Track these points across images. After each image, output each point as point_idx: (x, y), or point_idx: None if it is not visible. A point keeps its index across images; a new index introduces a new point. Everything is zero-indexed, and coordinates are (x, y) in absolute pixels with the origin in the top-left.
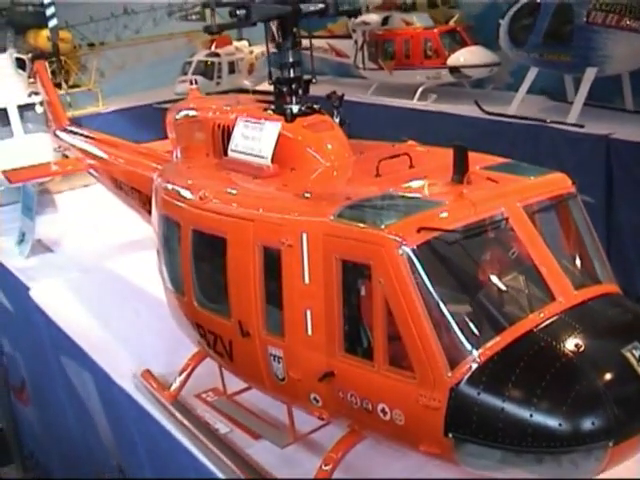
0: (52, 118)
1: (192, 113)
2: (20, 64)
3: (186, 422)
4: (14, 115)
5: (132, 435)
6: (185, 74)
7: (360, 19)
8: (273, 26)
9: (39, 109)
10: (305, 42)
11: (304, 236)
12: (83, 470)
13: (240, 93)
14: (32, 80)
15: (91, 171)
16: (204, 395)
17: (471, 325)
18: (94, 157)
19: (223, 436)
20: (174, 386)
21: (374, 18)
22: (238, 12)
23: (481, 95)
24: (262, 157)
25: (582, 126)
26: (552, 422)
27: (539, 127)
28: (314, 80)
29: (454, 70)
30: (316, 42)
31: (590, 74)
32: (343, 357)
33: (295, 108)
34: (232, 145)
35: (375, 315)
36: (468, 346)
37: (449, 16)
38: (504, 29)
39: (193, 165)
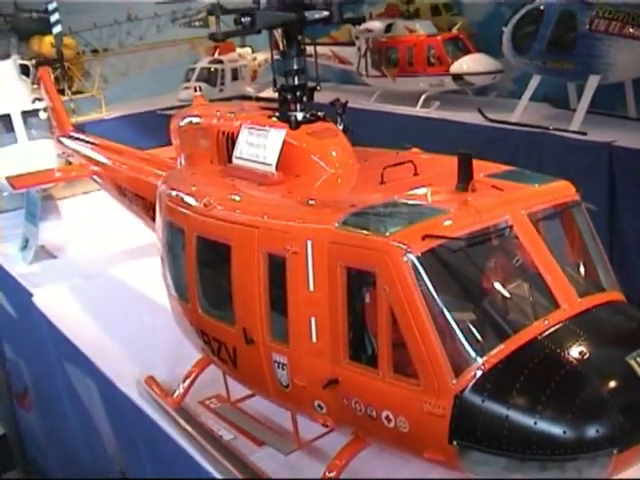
0: (56, 124)
1: (196, 120)
2: (24, 70)
3: (190, 429)
4: (18, 121)
5: (135, 441)
6: (188, 81)
7: (363, 26)
8: (277, 33)
9: (43, 115)
10: (309, 49)
11: (309, 243)
12: (86, 476)
13: (243, 100)
14: (36, 86)
15: (95, 177)
16: (208, 402)
17: (475, 332)
18: (98, 163)
19: (227, 443)
20: (178, 393)
21: (377, 25)
22: (243, 20)
23: (484, 102)
24: (266, 164)
25: (585, 133)
26: (556, 430)
27: (542, 134)
28: (318, 87)
29: (457, 77)
30: (319, 49)
31: (593, 81)
32: (347, 364)
33: (299, 115)
34: (236, 152)
35: (380, 322)
36: (473, 353)
37: (452, 23)
38: (507, 36)
39: (197, 172)
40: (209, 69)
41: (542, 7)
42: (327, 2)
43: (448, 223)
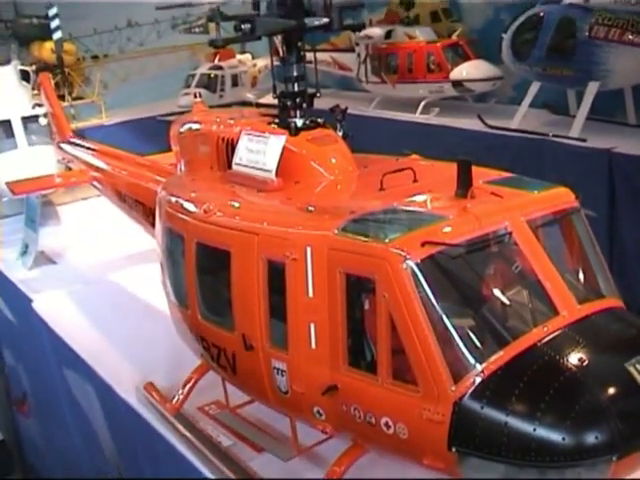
0: (56, 130)
1: (196, 126)
2: (24, 76)
3: (189, 435)
4: (18, 127)
5: (134, 447)
6: (188, 87)
7: (363, 33)
8: (277, 40)
9: (43, 121)
10: (309, 55)
11: (308, 250)
12: None
13: (243, 106)
14: (36, 92)
15: (95, 183)
16: (207, 408)
17: (475, 339)
18: (98, 169)
19: (226, 449)
20: (177, 399)
21: (377, 32)
22: (243, 26)
23: (484, 109)
24: (266, 170)
25: (584, 140)
26: (555, 436)
27: (542, 141)
28: (318, 94)
29: (457, 84)
30: (319, 55)
31: (592, 88)
32: (347, 371)
33: (299, 122)
34: (236, 158)
35: (379, 329)
36: (472, 360)
37: (452, 30)
38: (507, 43)
39: (197, 178)
40: (209, 75)
41: (542, 14)
42: (327, 9)
43: (447, 230)
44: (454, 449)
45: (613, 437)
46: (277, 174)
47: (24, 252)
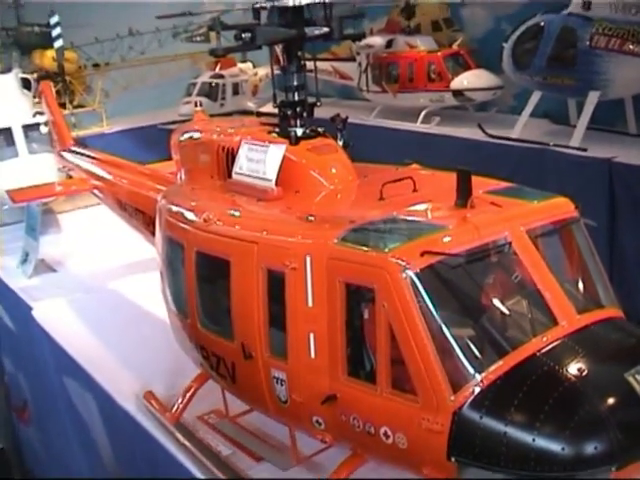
0: (57, 138)
1: (197, 135)
2: (25, 84)
3: (188, 444)
4: (19, 135)
5: (134, 456)
6: (189, 95)
7: (364, 42)
8: (278, 49)
9: (44, 129)
10: (309, 64)
11: (308, 259)
12: None
13: (244, 114)
14: (37, 100)
15: (95, 192)
16: (206, 417)
17: (474, 349)
18: (98, 178)
19: (225, 458)
20: (176, 407)
21: (378, 41)
22: (243, 35)
23: (484, 118)
24: (266, 180)
25: (585, 149)
26: (555, 446)
27: (542, 150)
28: (318, 103)
29: (457, 93)
30: (320, 64)
31: (593, 98)
32: (346, 380)
33: (299, 131)
34: (236, 167)
35: (378, 338)
36: (471, 370)
37: (453, 39)
38: (507, 52)
39: (197, 187)
40: (210, 84)
41: (542, 23)
42: (327, 18)
43: (447, 239)
44: (453, 459)
45: (612, 447)
46: (277, 183)
47: (24, 260)
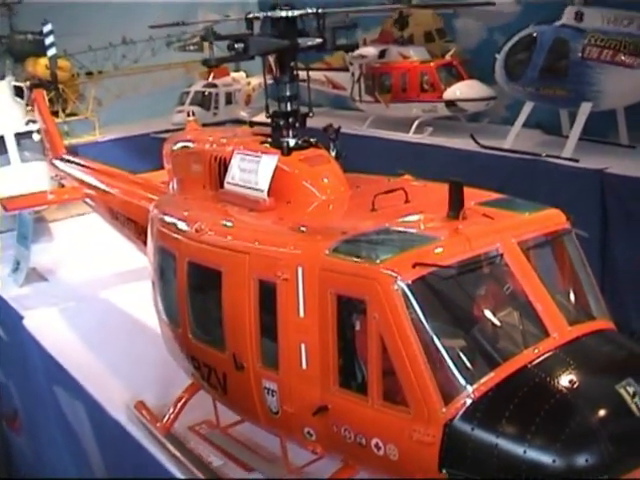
0: (49, 147)
1: (189, 145)
2: (18, 92)
3: (179, 455)
4: (11, 143)
5: (124, 467)
6: (182, 104)
7: (357, 52)
8: (271, 59)
9: (36, 137)
10: (302, 74)
11: (299, 270)
12: None
13: (237, 124)
14: (30, 108)
15: (87, 200)
16: (197, 427)
17: (466, 361)
18: (90, 187)
19: (216, 469)
20: (167, 418)
21: (371, 51)
22: (236, 46)
23: (477, 129)
24: (258, 190)
25: (577, 160)
26: (546, 458)
27: (534, 161)
28: (311, 114)
29: (450, 104)
30: (313, 74)
31: (585, 109)
32: (337, 391)
33: (292, 141)
34: (228, 178)
35: (370, 350)
36: (462, 382)
37: (446, 50)
38: (500, 63)
39: (189, 197)
40: (203, 93)
41: (535, 34)
42: (320, 29)
43: (439, 251)
44: (445, 471)
45: (604, 460)
46: (269, 194)
47: (16, 269)
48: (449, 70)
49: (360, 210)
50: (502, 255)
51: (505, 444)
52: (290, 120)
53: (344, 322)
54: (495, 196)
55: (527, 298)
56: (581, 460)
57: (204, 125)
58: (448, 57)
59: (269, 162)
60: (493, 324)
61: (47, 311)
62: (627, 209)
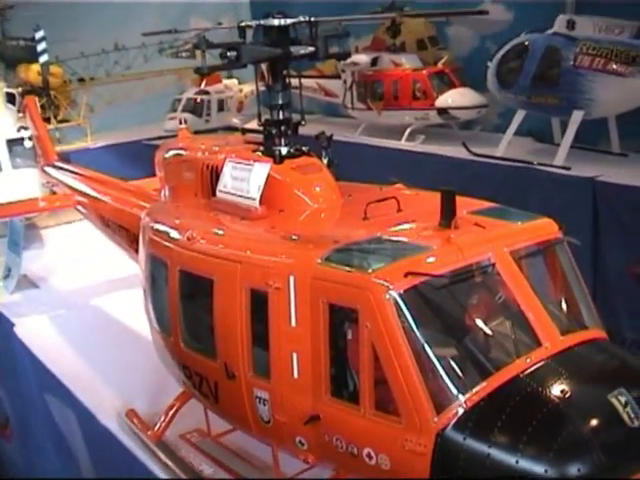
0: (41, 153)
1: (181, 153)
2: (10, 98)
3: (170, 463)
4: (2, 149)
5: (115, 474)
6: (174, 111)
7: (349, 60)
8: (263, 67)
9: (28, 144)
10: (294, 82)
11: (291, 279)
12: None
13: (229, 131)
14: (21, 114)
15: (79, 207)
16: (188, 436)
17: (458, 370)
18: (82, 194)
19: (207, 477)
20: (158, 426)
21: (363, 59)
22: (229, 54)
23: (469, 136)
24: (250, 198)
25: (569, 168)
26: (538, 468)
27: (526, 169)
28: (303, 122)
29: (442, 111)
30: (305, 81)
31: (577, 117)
32: (329, 401)
33: (284, 150)
34: (220, 186)
35: (361, 359)
36: (455, 391)
37: (438, 58)
38: (492, 71)
39: (181, 205)
40: (195, 100)
41: (527, 43)
42: (313, 37)
43: (431, 260)
44: None
45: (596, 469)
46: (261, 202)
47: (7, 276)
48: (441, 78)
49: (352, 219)
50: (494, 264)
51: (497, 454)
52: (282, 128)
53: (336, 331)
54: (487, 205)
55: (519, 307)
56: (573, 470)
57: (196, 132)
58: (440, 65)
59: (261, 170)
60: (485, 333)
61: (38, 318)
62: (618, 217)
